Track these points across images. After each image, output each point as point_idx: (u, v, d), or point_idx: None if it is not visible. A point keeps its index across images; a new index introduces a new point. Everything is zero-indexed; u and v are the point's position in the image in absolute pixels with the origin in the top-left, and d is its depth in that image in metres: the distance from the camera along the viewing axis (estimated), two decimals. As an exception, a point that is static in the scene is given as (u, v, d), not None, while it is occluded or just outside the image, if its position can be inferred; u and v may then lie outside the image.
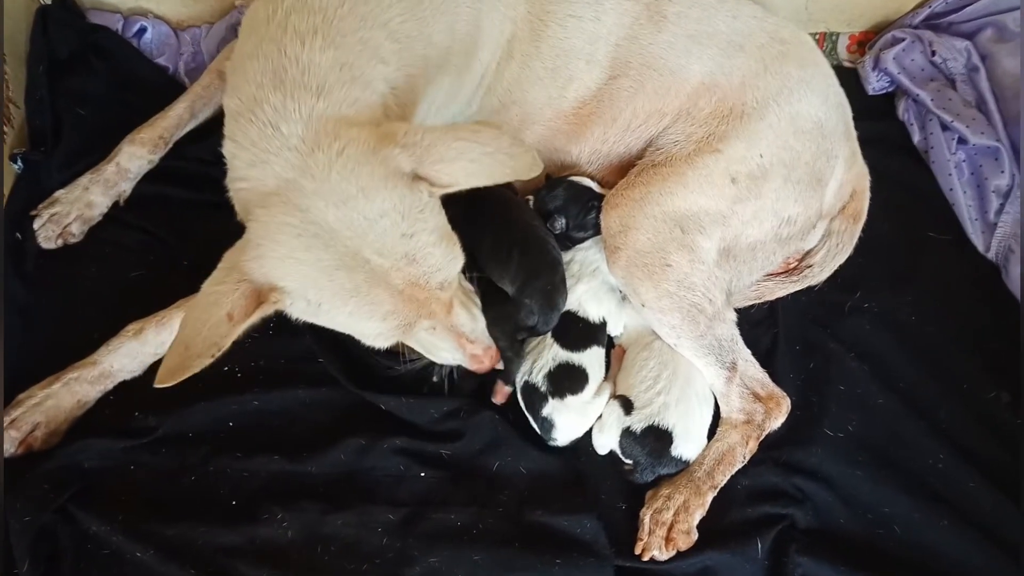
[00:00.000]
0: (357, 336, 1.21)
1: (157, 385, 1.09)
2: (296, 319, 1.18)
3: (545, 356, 1.47)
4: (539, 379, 1.46)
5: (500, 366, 1.41)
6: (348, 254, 1.09)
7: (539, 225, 1.52)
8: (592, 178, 1.61)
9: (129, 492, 1.38)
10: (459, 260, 1.21)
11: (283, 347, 1.54)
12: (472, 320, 1.30)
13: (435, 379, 1.48)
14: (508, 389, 1.48)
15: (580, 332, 1.50)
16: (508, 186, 1.57)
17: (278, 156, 1.10)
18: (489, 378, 1.52)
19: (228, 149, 1.17)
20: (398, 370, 1.41)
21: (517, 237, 1.47)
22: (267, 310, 1.10)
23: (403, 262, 1.12)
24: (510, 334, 1.41)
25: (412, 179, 1.11)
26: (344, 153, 1.08)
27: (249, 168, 1.13)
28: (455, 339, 1.28)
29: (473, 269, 1.40)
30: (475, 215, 1.42)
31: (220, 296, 1.08)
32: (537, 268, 1.44)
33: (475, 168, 1.12)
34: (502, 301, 1.43)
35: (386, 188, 1.09)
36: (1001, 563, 1.40)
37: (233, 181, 1.17)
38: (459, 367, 1.40)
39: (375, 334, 1.18)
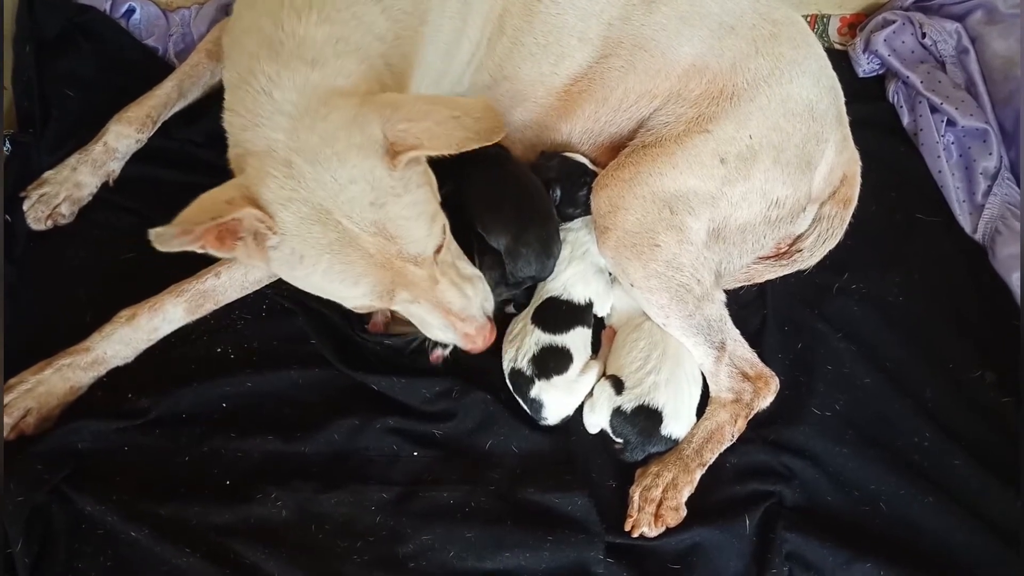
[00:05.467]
0: (336, 299, 1.22)
1: (155, 237, 1.06)
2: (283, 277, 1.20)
3: (527, 342, 1.48)
4: (524, 364, 1.47)
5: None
6: (323, 211, 1.12)
7: (535, 178, 1.54)
8: (585, 156, 1.61)
9: (123, 473, 1.38)
10: (436, 237, 1.21)
11: (276, 328, 1.55)
12: (463, 298, 1.28)
13: (432, 356, 1.49)
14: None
15: (563, 315, 1.51)
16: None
17: (269, 119, 1.14)
18: (479, 361, 1.53)
19: (226, 119, 1.21)
20: (386, 344, 1.42)
21: (512, 187, 1.50)
22: (265, 221, 1.12)
23: (373, 230, 1.14)
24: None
25: (388, 150, 1.12)
26: (328, 118, 1.12)
27: (242, 132, 1.17)
28: (443, 315, 1.27)
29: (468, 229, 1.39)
30: (471, 168, 1.44)
31: (221, 192, 1.12)
32: (532, 217, 1.48)
33: (438, 131, 1.11)
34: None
35: (359, 156, 1.11)
36: (984, 539, 1.42)
37: (231, 149, 1.20)
38: (455, 346, 1.39)
39: (351, 296, 1.20)
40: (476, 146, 1.13)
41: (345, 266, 1.15)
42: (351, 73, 1.18)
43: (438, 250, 1.23)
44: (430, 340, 1.41)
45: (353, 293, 1.19)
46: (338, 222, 1.12)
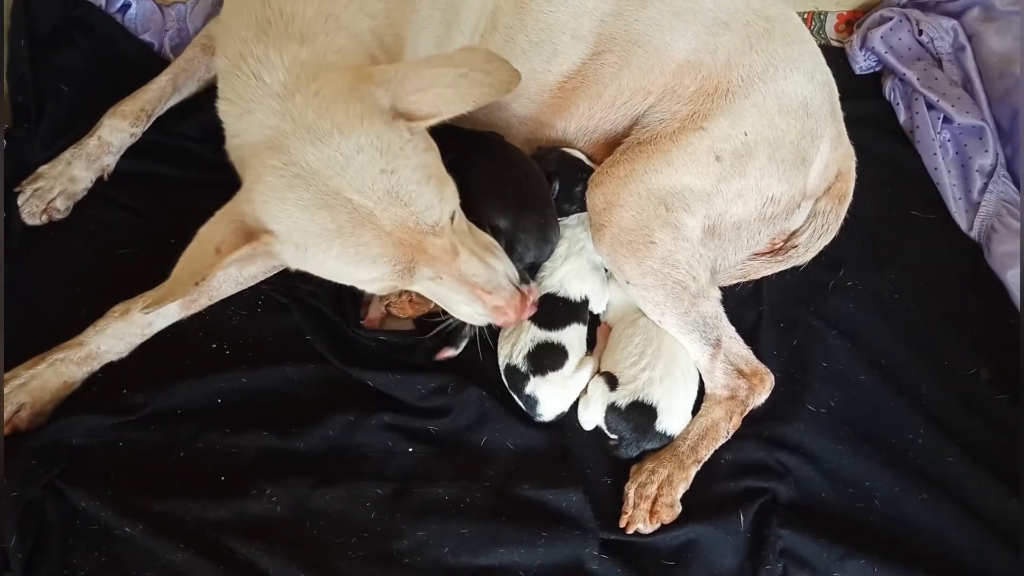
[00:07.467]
0: (355, 284, 1.18)
1: (144, 310, 1.10)
2: (294, 269, 1.18)
3: (523, 338, 1.48)
4: (519, 360, 1.47)
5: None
6: (329, 193, 1.07)
7: (535, 165, 1.54)
8: (582, 152, 1.61)
9: (118, 469, 1.38)
10: (450, 201, 1.17)
11: (271, 324, 1.55)
12: (487, 269, 1.23)
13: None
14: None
15: (559, 311, 1.51)
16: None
17: (261, 104, 1.10)
18: (475, 357, 1.53)
19: (220, 108, 1.18)
20: (382, 340, 1.41)
21: (513, 172, 1.50)
22: (257, 248, 1.10)
23: (387, 200, 1.09)
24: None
25: (392, 116, 1.09)
26: (320, 93, 1.08)
27: (237, 121, 1.14)
28: (468, 289, 1.21)
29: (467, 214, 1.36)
30: (473, 152, 1.43)
31: (212, 234, 1.10)
32: (530, 202, 1.48)
33: (452, 93, 1.08)
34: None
35: (362, 125, 1.07)
36: (978, 536, 1.42)
37: (229, 140, 1.17)
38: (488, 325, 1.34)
39: (369, 279, 1.16)
40: (494, 99, 1.10)
41: (359, 247, 1.10)
42: (342, 49, 1.14)
43: (452, 218, 1.19)
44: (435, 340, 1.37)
45: (372, 275, 1.14)
46: (348, 200, 1.07)
